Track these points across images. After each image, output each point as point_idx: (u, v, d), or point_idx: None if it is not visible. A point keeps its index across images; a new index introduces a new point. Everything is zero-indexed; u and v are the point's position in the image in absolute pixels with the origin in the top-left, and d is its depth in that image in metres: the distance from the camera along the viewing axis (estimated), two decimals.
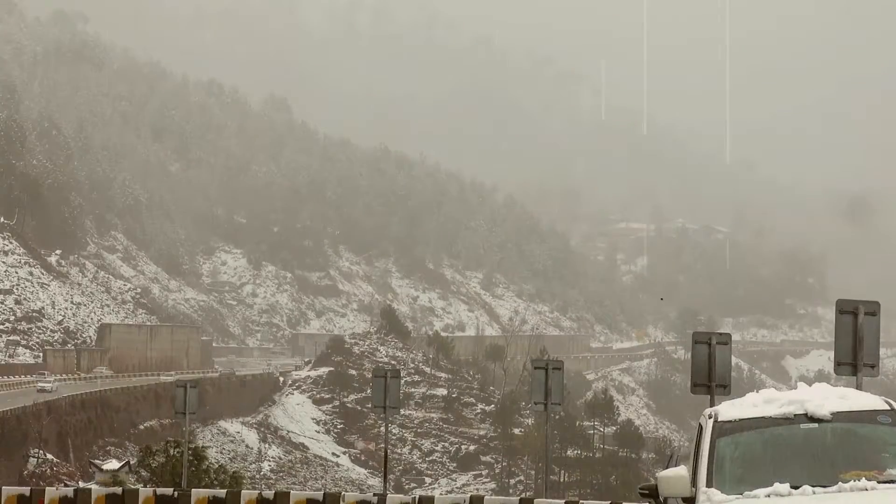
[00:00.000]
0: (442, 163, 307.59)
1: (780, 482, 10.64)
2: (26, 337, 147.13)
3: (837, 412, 11.24)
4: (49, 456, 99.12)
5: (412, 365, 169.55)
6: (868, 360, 19.51)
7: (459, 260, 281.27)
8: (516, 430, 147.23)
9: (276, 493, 23.41)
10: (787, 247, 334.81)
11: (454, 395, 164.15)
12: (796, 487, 10.58)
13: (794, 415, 11.24)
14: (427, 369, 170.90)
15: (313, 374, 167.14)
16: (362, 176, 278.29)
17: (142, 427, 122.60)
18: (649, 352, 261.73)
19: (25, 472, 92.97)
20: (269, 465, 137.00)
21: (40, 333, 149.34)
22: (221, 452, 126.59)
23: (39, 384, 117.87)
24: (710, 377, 23.20)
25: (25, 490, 23.54)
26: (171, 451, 57.79)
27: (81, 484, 77.74)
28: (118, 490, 24.34)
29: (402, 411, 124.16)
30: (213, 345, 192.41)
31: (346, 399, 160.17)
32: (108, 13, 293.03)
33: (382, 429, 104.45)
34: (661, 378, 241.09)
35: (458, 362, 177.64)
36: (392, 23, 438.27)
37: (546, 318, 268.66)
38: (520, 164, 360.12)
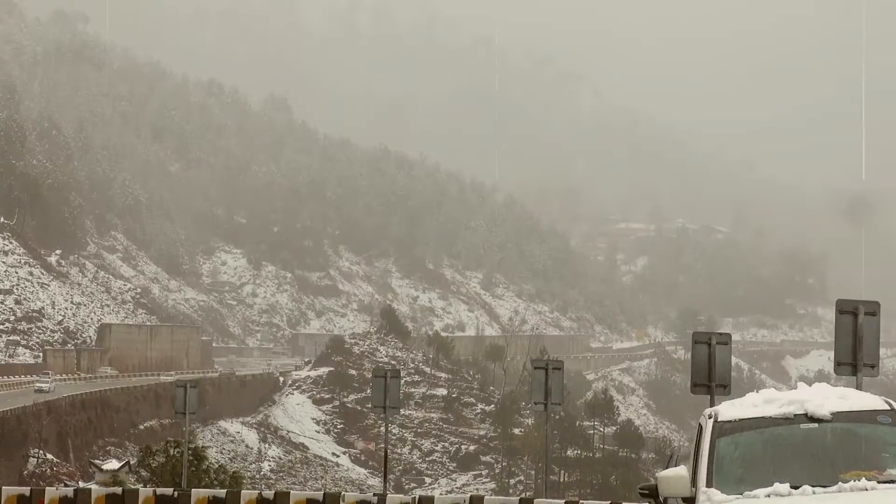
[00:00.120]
0: (442, 163, 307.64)
1: (780, 482, 10.64)
2: (26, 337, 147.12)
3: (837, 412, 11.24)
4: (49, 456, 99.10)
5: (412, 365, 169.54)
6: (868, 360, 19.51)
7: (459, 260, 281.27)
8: (516, 430, 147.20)
9: (276, 493, 23.41)
10: (787, 247, 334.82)
11: (454, 395, 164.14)
12: (796, 487, 10.58)
13: (794, 415, 11.24)
14: (427, 369, 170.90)
15: (313, 374, 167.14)
16: (362, 176, 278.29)
17: (142, 427, 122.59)
18: (649, 352, 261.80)
19: (25, 472, 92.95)
20: (269, 465, 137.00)
21: (40, 333, 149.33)
22: (221, 452, 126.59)
23: (37, 384, 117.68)
24: (710, 377, 23.21)
25: (25, 490, 23.55)
26: (171, 451, 57.79)
27: (81, 484, 77.73)
28: (118, 490, 24.34)
29: (402, 411, 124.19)
30: (213, 345, 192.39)
31: (346, 399, 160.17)
32: (108, 13, 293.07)
33: (382, 429, 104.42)
34: (661, 378, 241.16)
35: (458, 362, 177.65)
36: (392, 23, 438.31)
37: (546, 318, 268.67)
38: (520, 164, 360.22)
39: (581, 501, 26.28)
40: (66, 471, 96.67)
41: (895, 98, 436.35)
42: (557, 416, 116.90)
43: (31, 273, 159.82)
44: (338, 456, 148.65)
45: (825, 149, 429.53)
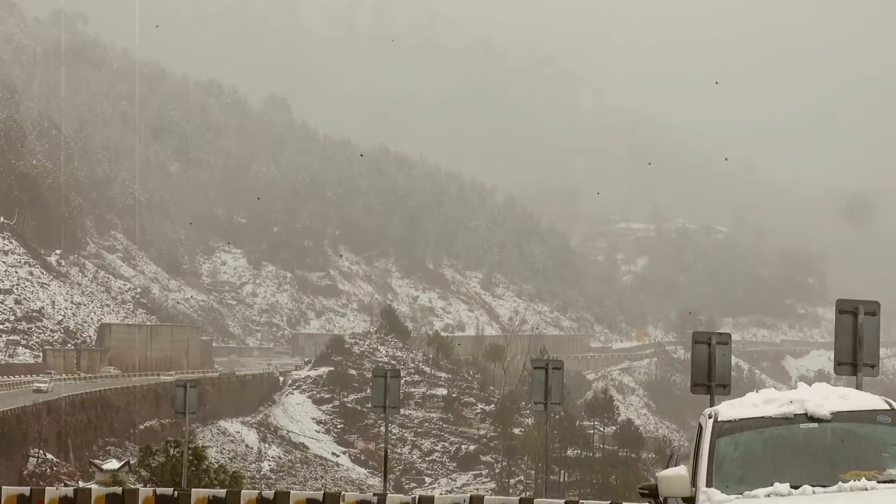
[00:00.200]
0: (442, 163, 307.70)
1: (780, 482, 10.64)
2: (26, 337, 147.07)
3: (837, 412, 11.23)
4: (49, 456, 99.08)
5: (412, 365, 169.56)
6: (868, 359, 19.51)
7: (459, 260, 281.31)
8: (516, 430, 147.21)
9: (276, 493, 23.40)
10: (787, 247, 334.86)
11: (454, 395, 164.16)
12: (796, 487, 10.58)
13: (794, 415, 11.23)
14: (427, 369, 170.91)
15: (313, 373, 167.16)
16: (362, 176, 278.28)
17: (142, 427, 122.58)
18: (649, 352, 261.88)
19: (25, 471, 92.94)
20: (269, 465, 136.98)
21: (40, 333, 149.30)
22: (221, 452, 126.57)
23: (35, 384, 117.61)
24: (710, 377, 23.21)
25: (25, 490, 23.53)
26: (171, 451, 57.74)
27: (81, 484, 77.73)
28: (118, 490, 24.32)
29: (402, 411, 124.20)
30: (213, 345, 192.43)
31: (346, 399, 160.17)
32: (108, 13, 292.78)
33: (382, 429, 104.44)
34: (661, 378, 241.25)
35: (458, 362, 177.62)
36: (392, 23, 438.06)
37: (546, 318, 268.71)
38: (520, 164, 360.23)
39: (581, 501, 26.26)
40: (66, 471, 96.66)
41: (895, 98, 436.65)
42: (557, 416, 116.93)
43: (31, 273, 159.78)
44: (338, 456, 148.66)
45: (825, 149, 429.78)
